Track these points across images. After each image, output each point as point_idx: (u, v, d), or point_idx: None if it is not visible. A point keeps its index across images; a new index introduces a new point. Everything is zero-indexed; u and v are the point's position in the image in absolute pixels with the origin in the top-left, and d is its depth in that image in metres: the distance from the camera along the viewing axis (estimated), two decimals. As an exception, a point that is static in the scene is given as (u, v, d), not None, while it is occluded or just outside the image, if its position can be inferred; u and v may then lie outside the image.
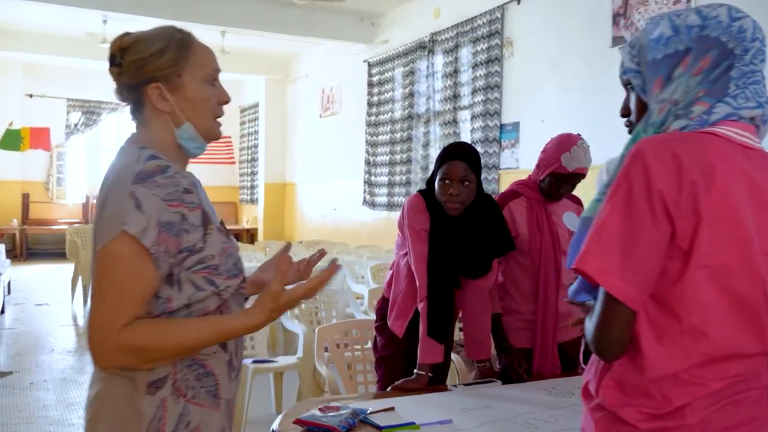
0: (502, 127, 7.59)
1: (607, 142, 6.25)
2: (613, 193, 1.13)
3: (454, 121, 8.32)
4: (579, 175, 2.44)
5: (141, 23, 9.73)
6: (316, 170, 11.89)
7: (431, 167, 8.83)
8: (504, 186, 7.75)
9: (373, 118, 9.99)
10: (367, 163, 10.12)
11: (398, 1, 9.26)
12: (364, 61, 10.09)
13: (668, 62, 1.21)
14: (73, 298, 8.14)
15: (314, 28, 9.80)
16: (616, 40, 6.18)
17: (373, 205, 10.05)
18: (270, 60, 12.37)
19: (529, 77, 7.21)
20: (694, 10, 1.23)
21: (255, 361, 3.77)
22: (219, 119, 1.45)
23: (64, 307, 7.96)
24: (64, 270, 10.89)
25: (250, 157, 13.82)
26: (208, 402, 1.30)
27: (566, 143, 2.46)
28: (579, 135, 2.51)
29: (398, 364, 2.39)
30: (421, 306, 2.18)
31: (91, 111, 13.50)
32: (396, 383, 2.13)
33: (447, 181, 2.19)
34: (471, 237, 2.22)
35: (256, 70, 12.36)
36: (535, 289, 2.38)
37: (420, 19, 8.95)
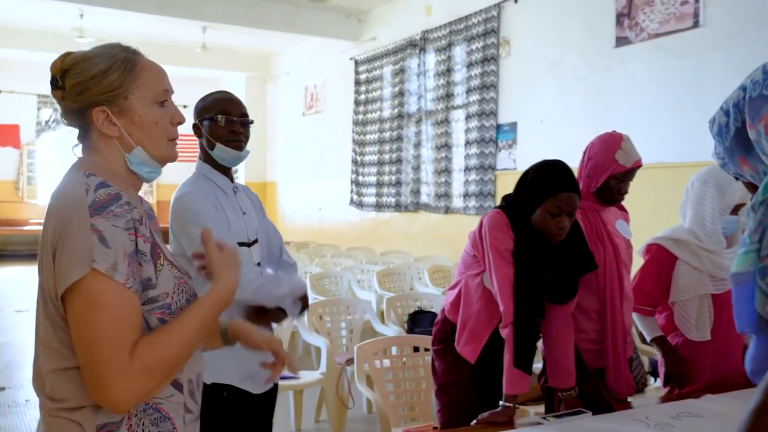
0: (498, 127, 7.49)
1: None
2: None
3: (447, 121, 8.21)
4: (637, 169, 2.33)
5: (120, 18, 9.48)
6: (299, 170, 11.68)
7: (422, 167, 8.74)
8: (501, 187, 7.69)
9: (360, 116, 9.82)
10: (354, 162, 9.96)
11: (386, -1, 9.11)
12: (351, 59, 9.92)
13: None
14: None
15: (299, 25, 9.58)
16: (620, 41, 6.12)
17: (360, 205, 9.89)
18: (251, 57, 12.11)
19: (527, 77, 7.13)
20: None
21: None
22: (174, 140, 1.36)
23: (46, 314, 7.62)
24: (39, 273, 10.52)
25: (228, 156, 13.52)
26: None
27: (613, 142, 2.34)
28: (616, 131, 2.39)
29: (462, 391, 2.25)
30: (505, 332, 2.04)
31: (63, 108, 13.06)
32: (482, 417, 1.98)
33: (558, 214, 2.03)
34: (557, 257, 2.08)
35: (237, 66, 12.10)
36: (600, 305, 2.26)
37: (409, 17, 8.80)
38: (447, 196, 8.24)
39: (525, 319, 2.02)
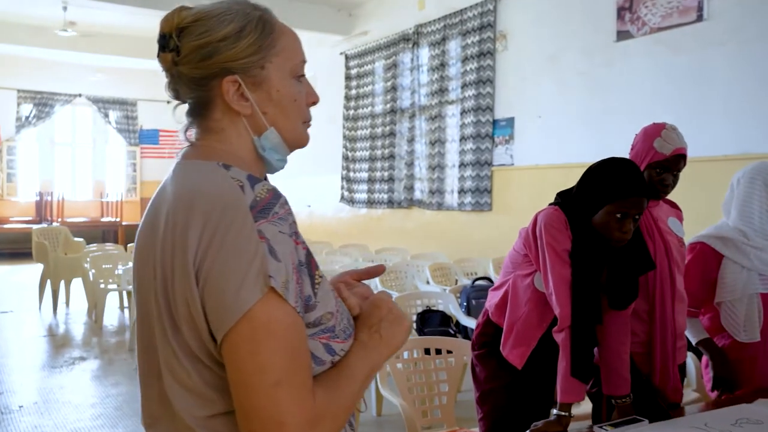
0: (495, 122, 7.40)
1: (608, 139, 6.16)
2: None
3: (441, 116, 8.11)
4: (680, 159, 2.18)
5: (104, 10, 9.24)
6: (288, 165, 11.38)
7: (416, 162, 8.63)
8: (497, 183, 7.61)
9: (351, 112, 9.69)
10: (345, 158, 9.82)
11: (379, -8, 8.98)
12: (342, 54, 9.77)
13: None
14: (41, 305, 7.60)
15: (288, 18, 9.02)
16: (621, 35, 6.06)
17: (352, 201, 9.76)
18: (237, 51, 11.89)
19: (525, 72, 7.04)
20: None
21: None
22: (308, 123, 1.15)
23: (32, 315, 7.42)
24: (23, 272, 10.29)
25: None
26: None
27: (653, 131, 2.22)
28: (664, 122, 2.27)
29: (506, 398, 2.14)
30: (561, 337, 1.93)
31: (43, 103, 12.77)
32: (536, 426, 1.87)
33: (624, 218, 1.90)
34: (616, 259, 1.97)
35: (223, 61, 11.86)
36: (650, 306, 2.15)
37: (402, 11, 8.68)
38: (440, 192, 8.14)
39: (583, 324, 1.91)
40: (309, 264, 0.97)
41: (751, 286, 2.27)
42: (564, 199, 2.04)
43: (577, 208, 1.98)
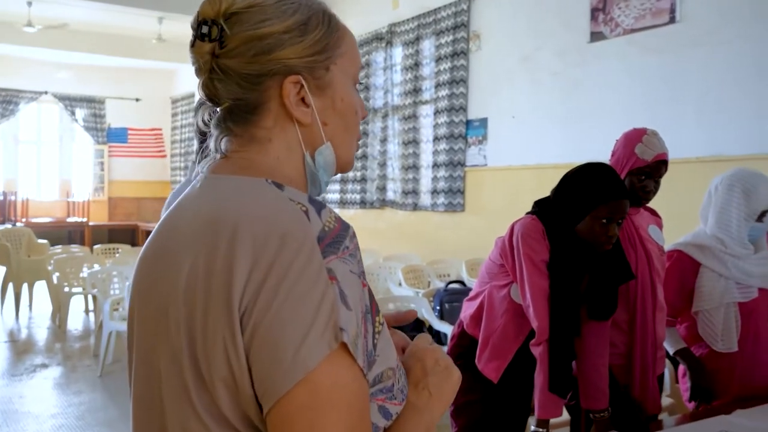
0: (468, 123, 7.36)
1: (582, 140, 6.15)
2: None
3: (415, 116, 8.04)
4: (661, 165, 2.16)
5: (70, 6, 9.01)
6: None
7: (389, 163, 8.55)
8: (470, 184, 7.57)
9: (324, 111, 9.57)
10: (318, 158, 9.70)
11: (352, -10, 8.87)
12: (314, 52, 9.65)
13: None
14: (2, 309, 7.37)
15: None
16: (594, 36, 6.04)
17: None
18: (208, 48, 11.71)
19: (498, 72, 7.00)
20: None
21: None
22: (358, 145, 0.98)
23: (-7, 319, 7.20)
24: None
25: (183, 151, 13.10)
26: None
27: (634, 136, 2.19)
28: (645, 127, 2.24)
29: (481, 412, 2.08)
30: (538, 351, 1.87)
31: (7, 101, 12.43)
32: (512, 443, 1.81)
33: (609, 222, 1.85)
34: (596, 268, 1.91)
35: (194, 58, 11.67)
36: (630, 316, 2.10)
37: (375, 10, 8.59)
38: (415, 192, 8.08)
39: (561, 338, 1.85)
40: (370, 309, 0.80)
41: (728, 295, 2.23)
42: (541, 207, 1.98)
43: (557, 217, 1.92)
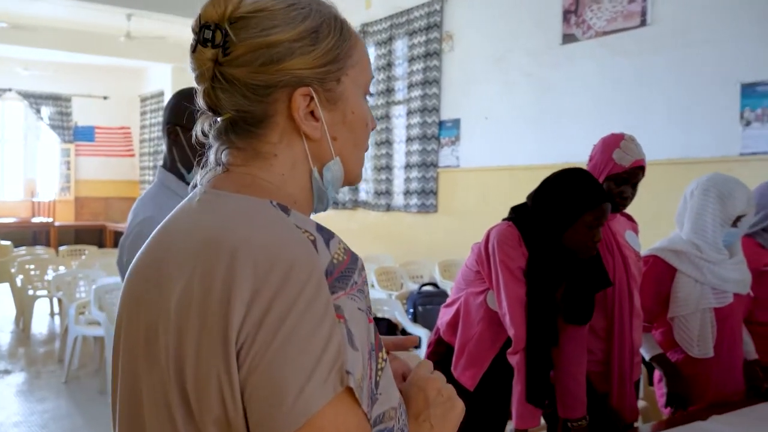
0: (441, 123, 7.34)
1: (554, 141, 6.16)
2: None
3: (388, 117, 8.00)
4: (639, 171, 2.16)
5: (34, 2, 8.80)
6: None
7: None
8: (443, 185, 7.55)
9: (295, 111, 9.48)
10: (289, 158, 9.61)
11: (324, -11, 8.81)
12: (286, 51, 9.55)
13: None
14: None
15: None
16: (567, 38, 6.05)
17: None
18: (179, 47, 11.52)
19: (471, 73, 6.99)
20: None
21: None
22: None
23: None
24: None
25: (152, 150, 12.89)
26: None
27: (612, 141, 2.18)
28: (623, 132, 2.23)
29: (457, 420, 2.03)
30: (515, 360, 1.83)
31: (-31, 97, 12.14)
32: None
33: (596, 226, 1.83)
34: (573, 274, 1.88)
35: (164, 57, 11.50)
36: (608, 323, 2.09)
37: (348, 9, 8.39)
38: (388, 193, 8.04)
39: (538, 347, 1.82)
40: (374, 345, 0.75)
41: (704, 301, 2.22)
42: (518, 213, 1.94)
43: (538, 224, 1.89)
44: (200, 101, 0.83)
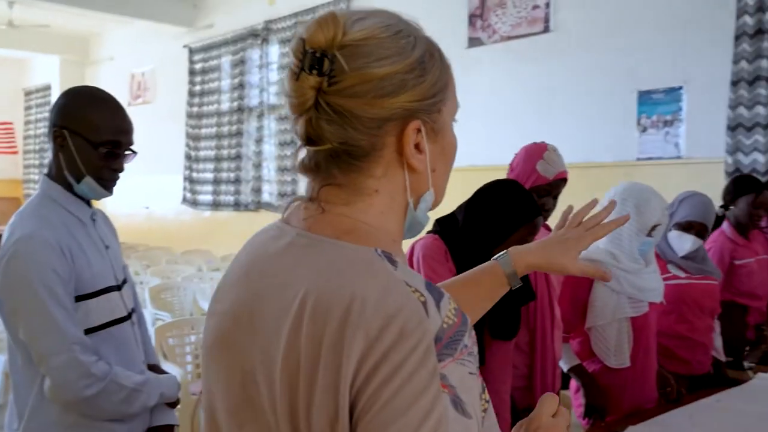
0: (347, 124, 7.23)
1: (468, 145, 6.15)
2: None
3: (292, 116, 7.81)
4: (561, 183, 2.15)
5: None
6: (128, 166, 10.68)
7: (264, 164, 8.26)
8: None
9: (195, 109, 9.13)
10: (188, 158, 9.24)
11: (225, -17, 8.51)
12: (185, 47, 9.17)
13: None
14: None
15: (123, 5, 8.64)
16: (472, 41, 6.08)
17: (195, 203, 9.21)
18: (67, 37, 10.85)
19: (377, 74, 6.92)
20: None
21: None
22: None
23: None
24: None
25: (38, 147, 12.10)
26: None
27: (535, 151, 2.16)
28: (545, 142, 2.21)
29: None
30: None
31: None
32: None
33: (531, 240, 1.75)
34: None
35: (50, 48, 10.80)
36: (531, 336, 2.04)
37: (250, 5, 8.27)
38: (293, 194, 7.84)
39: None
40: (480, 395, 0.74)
41: (620, 310, 2.21)
42: (443, 226, 1.85)
43: (469, 237, 1.79)
44: (297, 131, 0.78)
